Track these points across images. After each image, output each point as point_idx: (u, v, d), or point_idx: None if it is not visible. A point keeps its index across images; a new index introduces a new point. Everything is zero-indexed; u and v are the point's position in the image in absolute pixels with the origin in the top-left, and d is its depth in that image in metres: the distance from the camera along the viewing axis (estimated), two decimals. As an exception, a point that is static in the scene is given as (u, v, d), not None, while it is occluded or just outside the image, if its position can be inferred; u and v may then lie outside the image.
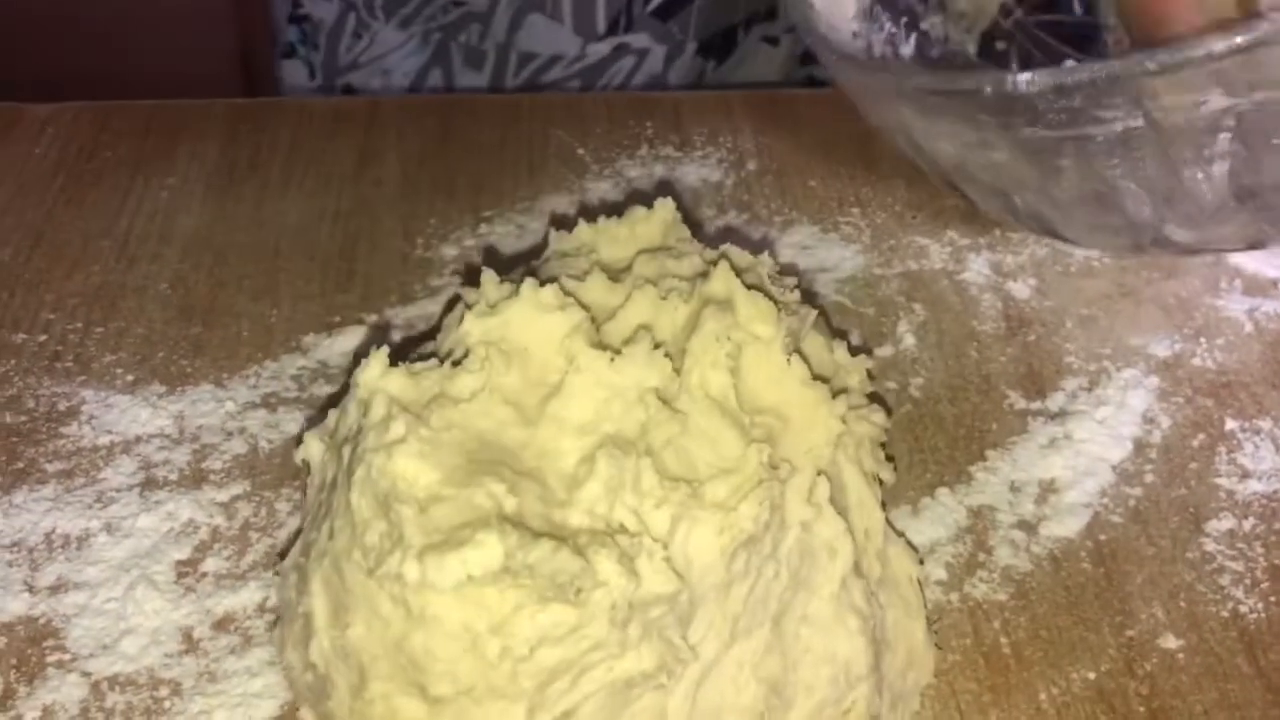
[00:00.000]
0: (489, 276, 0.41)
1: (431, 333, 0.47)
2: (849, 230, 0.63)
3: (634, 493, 0.36)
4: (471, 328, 0.39)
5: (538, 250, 0.47)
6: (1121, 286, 0.59)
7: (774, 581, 0.38)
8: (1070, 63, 0.46)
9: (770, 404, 0.40)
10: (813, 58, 0.90)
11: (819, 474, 0.39)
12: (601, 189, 0.65)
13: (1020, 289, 0.59)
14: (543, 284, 0.41)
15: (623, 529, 0.36)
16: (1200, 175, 0.44)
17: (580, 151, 0.68)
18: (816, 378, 0.41)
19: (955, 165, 0.53)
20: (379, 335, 0.55)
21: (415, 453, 0.36)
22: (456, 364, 0.39)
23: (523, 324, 0.39)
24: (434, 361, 0.40)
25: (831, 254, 0.61)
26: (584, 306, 0.41)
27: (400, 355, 0.43)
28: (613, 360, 0.38)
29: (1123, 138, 0.44)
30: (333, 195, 0.65)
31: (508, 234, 0.62)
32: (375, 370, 0.39)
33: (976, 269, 0.60)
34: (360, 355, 0.46)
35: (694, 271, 0.43)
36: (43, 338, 0.56)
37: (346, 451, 0.39)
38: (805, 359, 0.42)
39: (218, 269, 0.60)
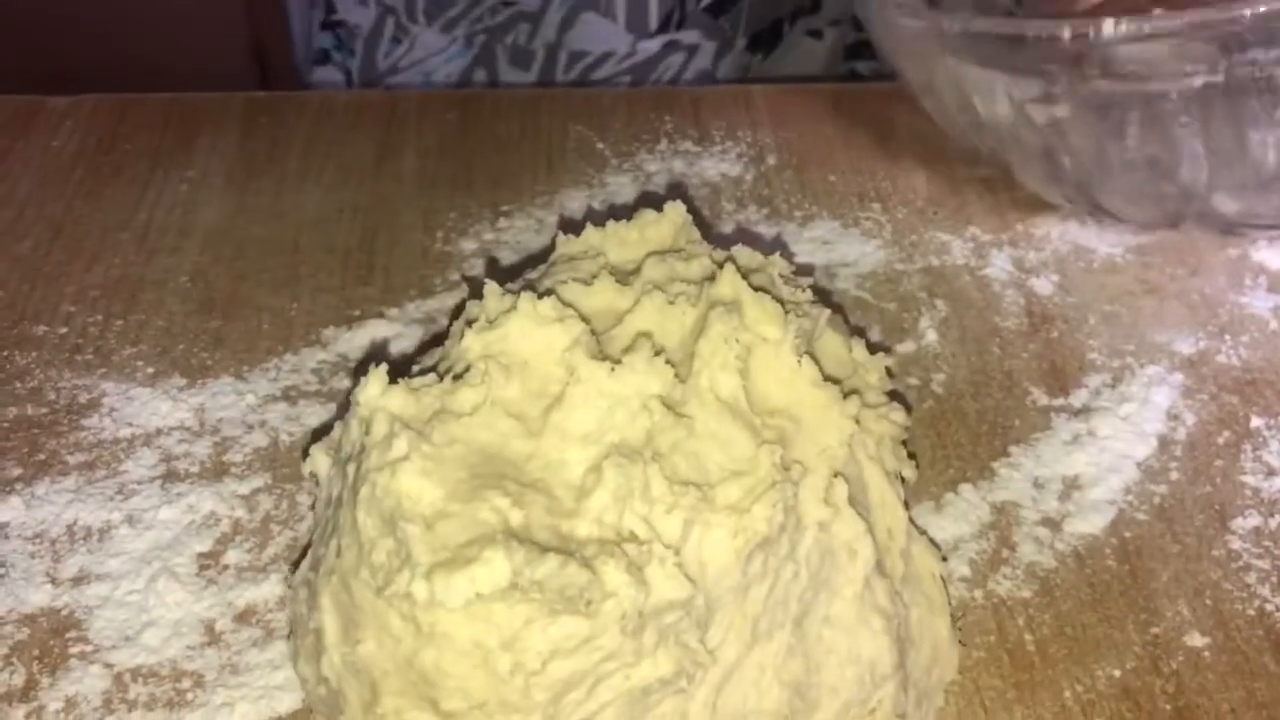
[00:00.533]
0: (491, 289, 0.41)
1: (441, 337, 0.47)
2: (870, 225, 0.63)
3: (643, 500, 0.36)
4: (471, 343, 0.39)
5: (549, 250, 0.46)
6: (1145, 283, 0.59)
7: (793, 583, 0.38)
8: (1158, 11, 0.45)
9: (781, 405, 0.40)
10: (856, 52, 0.90)
11: (836, 475, 0.39)
12: (620, 183, 0.65)
13: (1043, 285, 0.59)
14: (545, 293, 0.40)
15: (633, 537, 0.36)
16: (1270, 140, 0.44)
17: (599, 146, 0.67)
18: (829, 378, 0.41)
19: (1005, 124, 0.51)
20: (378, 350, 0.55)
21: (419, 470, 0.36)
22: (458, 378, 0.39)
23: (522, 337, 0.39)
24: (433, 377, 0.39)
25: (852, 249, 0.61)
26: (586, 315, 0.41)
27: (409, 364, 0.43)
28: (613, 370, 0.38)
29: (1199, 95, 0.43)
30: (352, 189, 0.65)
31: (526, 228, 0.62)
32: (375, 389, 0.38)
33: (999, 265, 0.60)
34: (359, 372, 0.45)
35: (703, 274, 0.43)
36: (63, 330, 0.56)
37: (351, 469, 0.38)
38: (819, 359, 0.41)
39: (237, 262, 0.60)
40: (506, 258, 0.60)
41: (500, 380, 0.38)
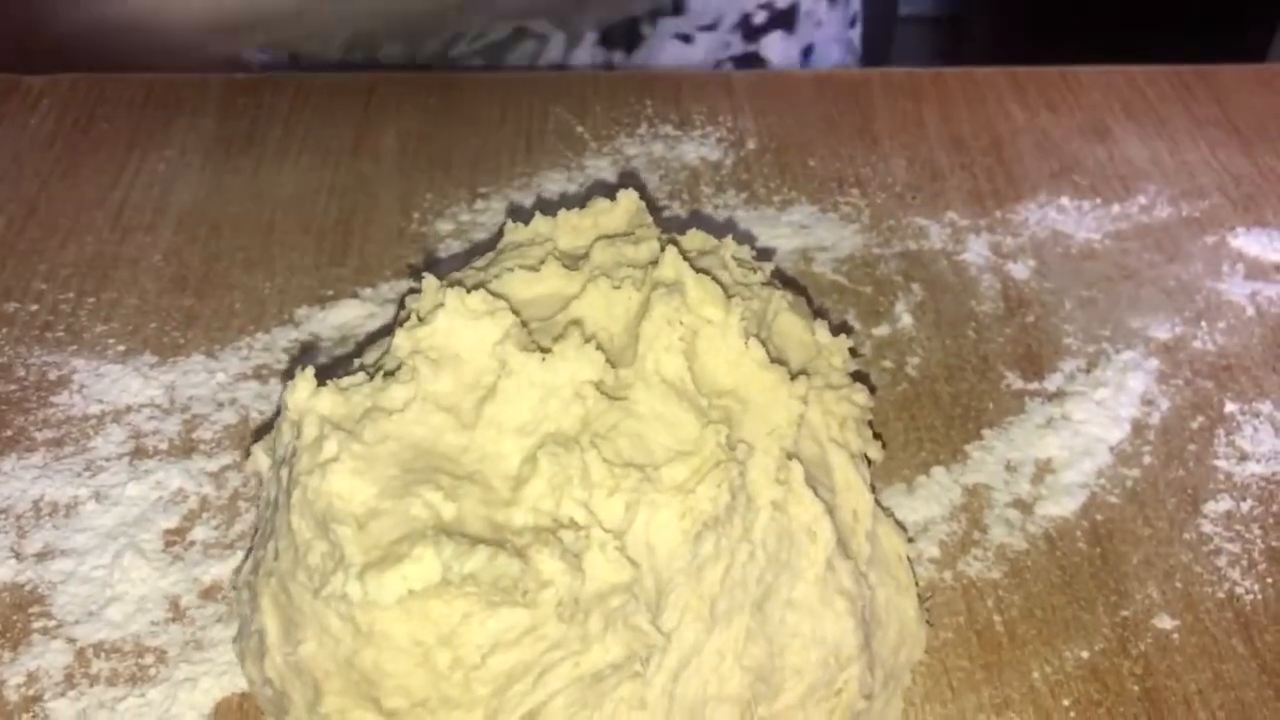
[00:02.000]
0: (429, 283, 0.41)
1: (388, 328, 0.46)
2: (848, 210, 0.62)
3: (582, 485, 0.36)
4: (401, 341, 0.39)
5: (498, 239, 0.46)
6: (1122, 269, 0.59)
7: (750, 564, 0.37)
8: None
9: (729, 387, 0.40)
10: (746, 62, 0.86)
11: (790, 458, 0.39)
12: (599, 166, 0.65)
13: (1019, 270, 0.59)
14: (476, 286, 0.40)
15: (571, 523, 0.35)
16: None
17: (579, 129, 0.67)
18: (784, 360, 0.41)
19: None
20: (309, 353, 0.54)
21: (349, 470, 0.36)
22: (389, 375, 0.39)
23: (450, 332, 0.39)
24: (363, 376, 0.39)
25: (830, 233, 0.61)
26: (532, 301, 0.40)
27: (348, 360, 0.42)
28: (544, 360, 0.38)
29: None
30: (329, 170, 0.64)
31: (503, 210, 0.62)
32: (304, 392, 0.38)
33: (976, 250, 0.60)
34: (288, 374, 0.44)
35: (651, 257, 0.42)
36: (34, 307, 0.56)
37: (284, 473, 0.38)
38: (779, 341, 0.41)
39: (212, 241, 0.60)
40: (482, 239, 0.60)
41: (430, 375, 0.38)
